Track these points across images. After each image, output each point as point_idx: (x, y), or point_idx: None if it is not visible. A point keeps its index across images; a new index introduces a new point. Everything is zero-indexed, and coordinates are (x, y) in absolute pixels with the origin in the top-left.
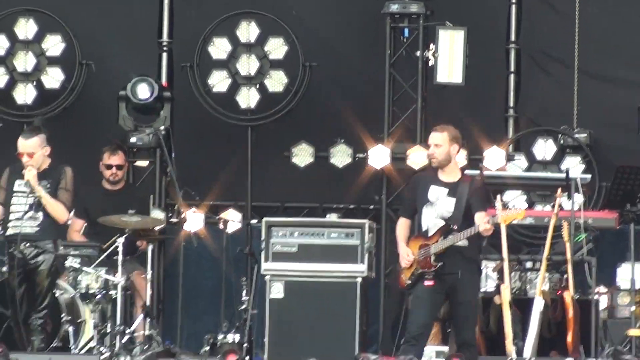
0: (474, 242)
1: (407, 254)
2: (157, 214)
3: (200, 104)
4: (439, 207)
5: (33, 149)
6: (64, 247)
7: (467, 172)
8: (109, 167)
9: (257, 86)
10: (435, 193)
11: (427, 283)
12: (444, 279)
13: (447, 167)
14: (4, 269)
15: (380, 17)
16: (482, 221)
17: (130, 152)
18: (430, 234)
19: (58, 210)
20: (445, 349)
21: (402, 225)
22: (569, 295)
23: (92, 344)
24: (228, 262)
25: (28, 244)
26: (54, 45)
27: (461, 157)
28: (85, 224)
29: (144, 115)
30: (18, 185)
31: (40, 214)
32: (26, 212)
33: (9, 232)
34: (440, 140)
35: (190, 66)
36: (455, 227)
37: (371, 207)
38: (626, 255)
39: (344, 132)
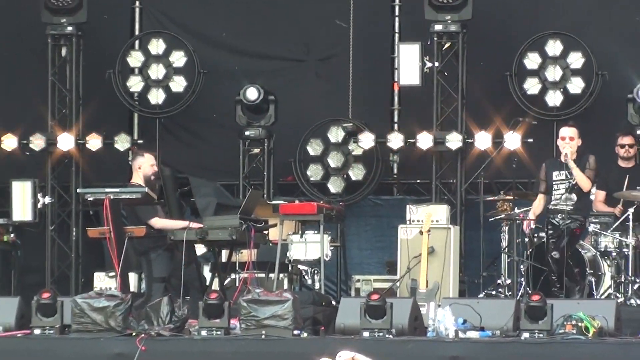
0: None
1: None
2: None
3: None
4: None
5: (573, 135)
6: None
7: None
8: (622, 146)
9: None
10: None
11: None
12: None
13: None
14: (542, 234)
15: None
16: None
17: (637, 139)
18: None
19: (583, 181)
20: None
21: None
22: None
23: (609, 291)
24: None
25: (565, 216)
26: (575, 60)
27: None
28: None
29: None
30: (555, 175)
31: (573, 195)
32: (562, 194)
33: (551, 207)
34: None
35: None
36: None
37: None
38: None
39: None
